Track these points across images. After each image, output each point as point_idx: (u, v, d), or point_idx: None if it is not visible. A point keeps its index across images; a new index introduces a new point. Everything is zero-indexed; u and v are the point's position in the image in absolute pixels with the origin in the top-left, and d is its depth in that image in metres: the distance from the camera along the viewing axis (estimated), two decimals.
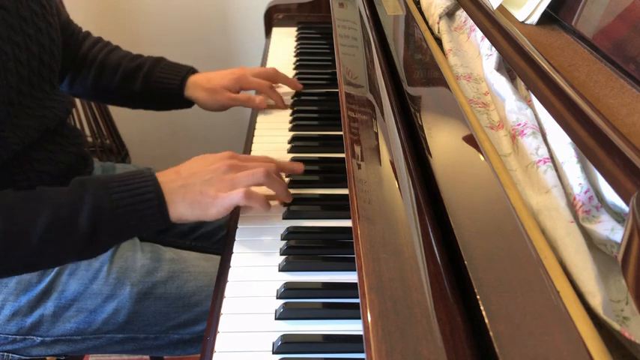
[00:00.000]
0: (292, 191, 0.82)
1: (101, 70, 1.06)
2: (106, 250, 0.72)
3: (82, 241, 0.67)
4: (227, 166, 0.73)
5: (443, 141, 0.59)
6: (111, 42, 1.11)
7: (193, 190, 0.70)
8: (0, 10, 0.75)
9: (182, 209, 0.70)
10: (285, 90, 1.12)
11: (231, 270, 0.70)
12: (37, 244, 0.65)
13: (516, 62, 0.59)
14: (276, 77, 1.09)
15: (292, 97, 1.11)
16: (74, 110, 1.65)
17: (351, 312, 0.62)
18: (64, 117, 0.90)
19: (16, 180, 0.81)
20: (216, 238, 1.07)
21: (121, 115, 1.67)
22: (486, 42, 0.70)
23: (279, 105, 1.08)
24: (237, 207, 0.76)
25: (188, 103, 1.07)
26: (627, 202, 0.38)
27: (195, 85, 1.04)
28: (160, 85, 1.04)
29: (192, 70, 1.07)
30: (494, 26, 0.67)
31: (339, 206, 0.79)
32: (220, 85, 1.04)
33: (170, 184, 0.71)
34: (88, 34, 1.10)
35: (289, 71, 1.24)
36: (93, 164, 1.03)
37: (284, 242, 0.73)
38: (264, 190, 0.76)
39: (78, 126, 1.66)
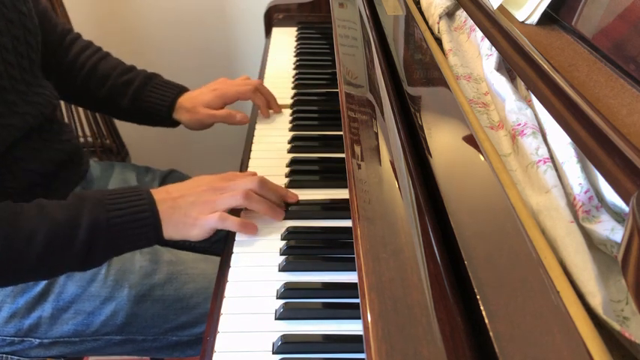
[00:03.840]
0: (292, 191, 0.81)
1: (88, 80, 1.01)
2: (101, 263, 0.74)
3: (77, 256, 0.69)
4: (211, 189, 0.75)
5: (443, 141, 0.59)
6: (102, 48, 1.06)
7: (179, 212, 0.73)
8: None
9: (170, 229, 0.73)
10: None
11: (231, 270, 0.70)
12: (35, 259, 0.67)
13: (516, 62, 0.59)
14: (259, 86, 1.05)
15: (292, 98, 1.11)
16: (74, 109, 1.64)
17: (351, 312, 0.62)
18: (47, 113, 0.87)
19: (4, 180, 0.80)
20: (215, 238, 1.06)
21: None
22: (486, 42, 0.69)
23: (263, 112, 1.04)
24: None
25: (176, 123, 1.04)
26: (627, 202, 0.37)
27: (180, 107, 1.01)
28: (148, 105, 1.01)
29: (183, 91, 1.03)
30: (494, 26, 0.67)
31: (339, 206, 0.79)
32: (200, 104, 1.00)
33: (162, 203, 0.73)
34: (77, 36, 1.05)
35: (289, 71, 1.24)
36: (88, 162, 1.02)
37: (284, 242, 0.73)
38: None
39: (77, 125, 1.66)
